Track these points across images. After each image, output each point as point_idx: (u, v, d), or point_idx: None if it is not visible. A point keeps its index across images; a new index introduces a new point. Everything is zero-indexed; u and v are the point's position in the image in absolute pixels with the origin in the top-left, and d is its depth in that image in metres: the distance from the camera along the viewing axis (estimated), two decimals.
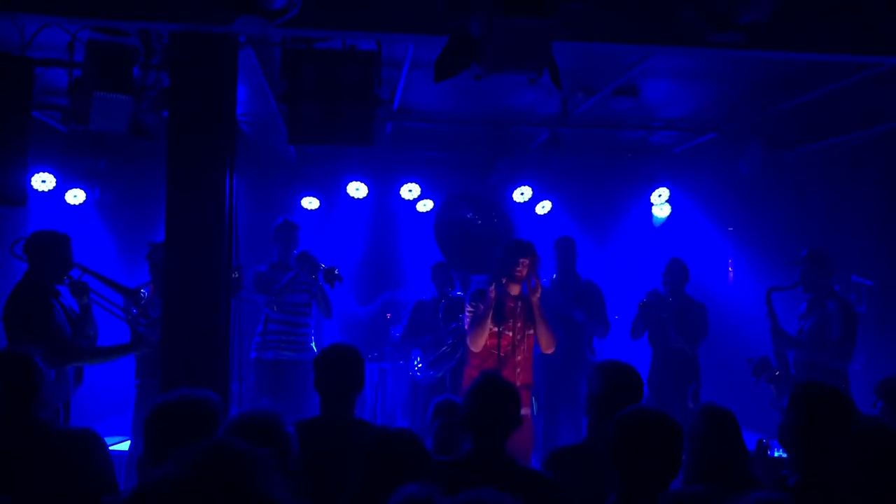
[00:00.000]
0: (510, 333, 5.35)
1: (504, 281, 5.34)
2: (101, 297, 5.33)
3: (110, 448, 6.44)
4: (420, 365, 6.71)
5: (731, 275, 8.83)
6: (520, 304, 5.45)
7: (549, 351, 5.51)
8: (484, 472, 3.01)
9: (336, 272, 6.60)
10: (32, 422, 3.11)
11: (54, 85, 5.48)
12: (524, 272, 5.35)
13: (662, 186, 8.62)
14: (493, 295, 5.30)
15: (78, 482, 2.76)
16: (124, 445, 6.55)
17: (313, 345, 6.77)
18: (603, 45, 4.46)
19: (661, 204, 8.72)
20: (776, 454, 4.35)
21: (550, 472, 3.29)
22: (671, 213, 8.78)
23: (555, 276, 6.87)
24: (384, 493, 2.54)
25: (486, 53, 3.30)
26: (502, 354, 5.26)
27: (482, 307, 5.33)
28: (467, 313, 5.51)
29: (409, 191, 8.47)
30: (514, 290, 5.43)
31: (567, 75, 4.02)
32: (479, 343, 5.34)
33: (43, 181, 7.58)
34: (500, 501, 1.80)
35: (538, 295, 5.33)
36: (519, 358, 5.35)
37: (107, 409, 7.17)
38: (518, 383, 5.03)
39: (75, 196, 7.94)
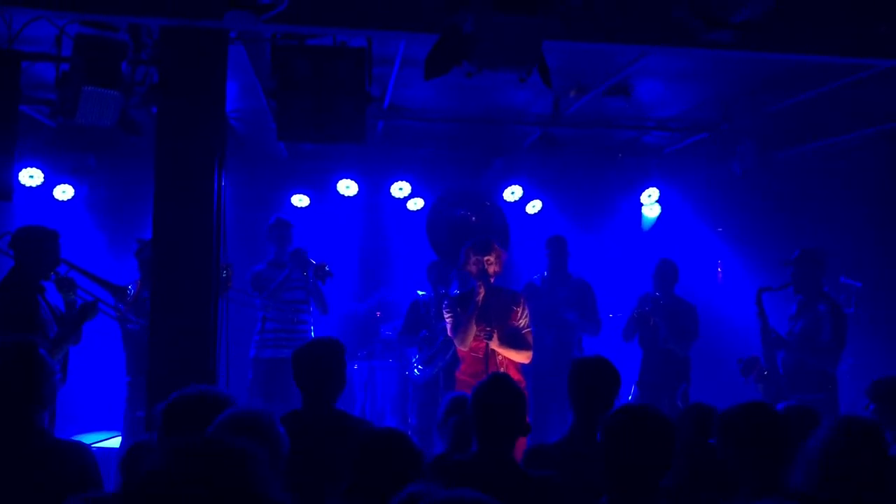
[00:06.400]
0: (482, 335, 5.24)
1: (480, 283, 5.27)
2: (88, 294, 5.29)
3: (100, 444, 6.46)
4: (418, 362, 6.70)
5: (721, 275, 8.84)
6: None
7: (527, 362, 5.42)
8: (488, 475, 2.98)
9: (326, 268, 6.69)
10: (29, 427, 2.91)
11: (42, 79, 5.44)
12: (475, 269, 5.28)
13: (653, 186, 8.61)
14: (480, 295, 5.26)
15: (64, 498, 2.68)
16: (114, 442, 6.52)
17: None
18: (595, 44, 4.45)
19: (651, 204, 8.72)
20: None
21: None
22: (661, 213, 8.78)
23: (546, 274, 6.85)
24: (378, 495, 2.53)
25: (476, 50, 3.29)
26: (481, 356, 5.21)
27: (468, 308, 5.29)
28: (447, 319, 5.45)
29: (400, 189, 8.43)
30: (481, 291, 5.30)
31: (559, 74, 4.00)
32: (467, 342, 5.29)
33: (31, 176, 7.49)
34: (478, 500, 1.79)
35: (495, 339, 5.20)
36: (500, 358, 5.23)
37: (96, 404, 7.15)
38: None
39: (63, 192, 7.87)
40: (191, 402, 2.73)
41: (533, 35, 3.30)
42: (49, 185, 7.71)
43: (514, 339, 5.29)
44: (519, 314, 5.38)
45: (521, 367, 5.43)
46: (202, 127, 4.35)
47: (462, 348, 5.35)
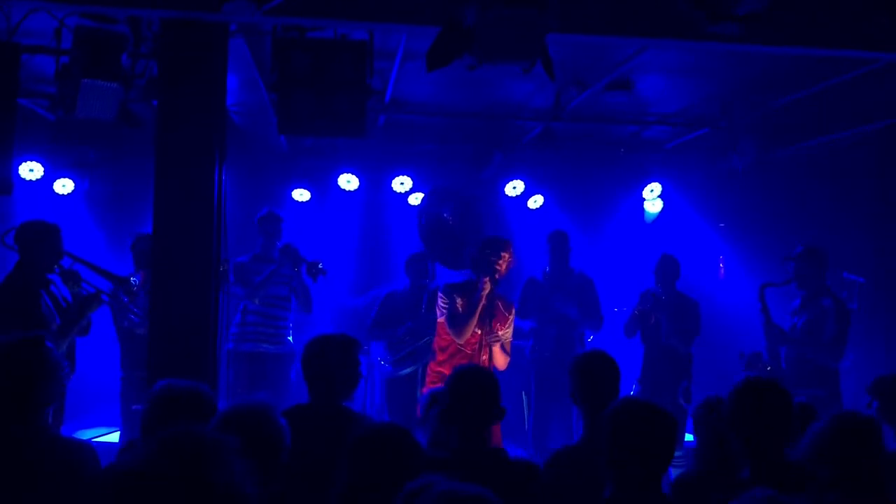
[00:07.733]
0: (479, 332, 5.28)
1: (486, 278, 5.27)
2: (92, 286, 5.28)
3: (98, 439, 6.46)
4: (391, 356, 6.53)
5: (723, 271, 8.82)
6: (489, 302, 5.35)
7: (503, 369, 5.43)
8: (469, 466, 2.98)
9: (320, 266, 6.47)
10: (31, 424, 2.86)
11: (41, 72, 5.42)
12: (504, 267, 5.34)
13: (655, 181, 8.60)
14: (486, 290, 5.26)
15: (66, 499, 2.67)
16: (111, 437, 6.51)
17: (290, 338, 6.73)
18: (598, 37, 4.43)
19: (653, 199, 8.71)
20: None
21: (551, 473, 3.31)
22: (663, 209, 8.76)
23: (548, 269, 6.83)
24: (376, 490, 2.51)
25: (479, 43, 3.27)
26: (469, 352, 5.25)
27: (471, 301, 5.28)
28: (442, 306, 5.42)
29: (401, 183, 8.41)
30: (487, 287, 5.30)
31: (561, 69, 3.98)
32: (465, 335, 5.29)
33: (31, 170, 7.50)
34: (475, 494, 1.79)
35: (496, 343, 5.32)
36: (484, 357, 5.25)
37: (93, 400, 7.14)
38: None
39: (64, 186, 7.87)
40: (168, 399, 2.76)
41: (535, 27, 3.28)
42: (49, 178, 7.71)
43: (502, 344, 5.41)
44: (507, 322, 5.47)
45: (508, 364, 5.47)
46: (202, 120, 4.33)
47: (458, 340, 5.32)
